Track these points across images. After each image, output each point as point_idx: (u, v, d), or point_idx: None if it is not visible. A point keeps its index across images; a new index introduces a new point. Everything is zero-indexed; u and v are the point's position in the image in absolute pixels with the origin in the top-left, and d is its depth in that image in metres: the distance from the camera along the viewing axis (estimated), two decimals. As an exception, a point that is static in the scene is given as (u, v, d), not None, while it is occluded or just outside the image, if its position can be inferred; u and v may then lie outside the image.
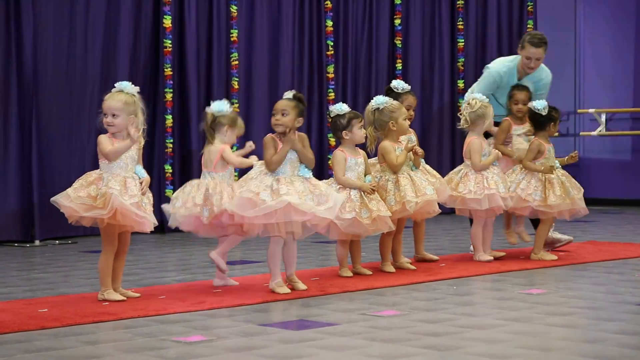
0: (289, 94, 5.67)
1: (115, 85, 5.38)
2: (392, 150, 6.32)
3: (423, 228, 6.92)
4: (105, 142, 5.26)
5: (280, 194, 5.36)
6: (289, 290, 5.48)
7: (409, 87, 6.88)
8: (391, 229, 6.14)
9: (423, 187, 6.27)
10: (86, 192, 5.17)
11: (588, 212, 7.05)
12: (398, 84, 6.87)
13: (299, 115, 5.58)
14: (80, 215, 5.17)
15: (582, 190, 6.98)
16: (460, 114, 6.84)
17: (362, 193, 6.03)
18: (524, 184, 6.88)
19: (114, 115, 5.27)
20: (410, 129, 6.86)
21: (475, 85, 7.41)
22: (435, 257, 6.86)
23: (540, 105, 6.88)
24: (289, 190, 5.39)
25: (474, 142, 6.76)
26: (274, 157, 5.50)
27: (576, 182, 6.99)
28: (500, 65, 7.25)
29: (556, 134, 7.09)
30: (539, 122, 6.92)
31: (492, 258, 6.83)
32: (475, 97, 6.78)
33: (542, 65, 7.33)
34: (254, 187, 5.42)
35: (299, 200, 5.37)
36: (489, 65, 7.41)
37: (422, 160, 6.71)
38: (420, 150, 6.42)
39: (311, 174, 5.60)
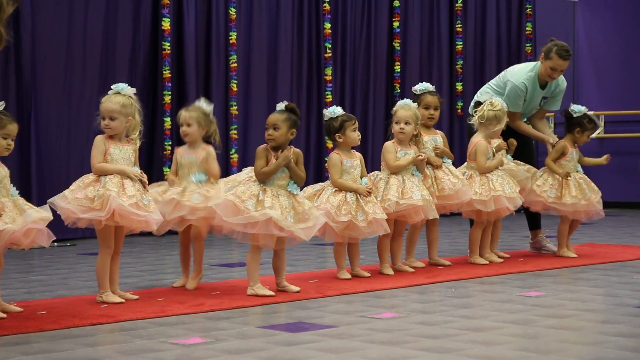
0: (281, 105, 5.61)
1: (112, 87, 5.39)
2: (392, 151, 6.36)
3: (435, 233, 6.86)
4: (97, 148, 5.26)
5: (265, 206, 5.35)
6: (272, 293, 5.47)
7: (430, 88, 6.89)
8: (387, 232, 6.14)
9: (412, 191, 6.27)
10: (83, 193, 5.16)
11: (604, 215, 7.30)
12: (417, 86, 6.95)
13: (292, 127, 5.53)
14: (77, 217, 5.17)
15: (600, 193, 7.23)
16: (476, 111, 6.82)
17: (358, 196, 6.03)
18: (540, 180, 7.11)
19: (111, 117, 5.27)
20: (437, 130, 6.88)
21: (491, 83, 7.44)
22: (447, 262, 6.82)
23: (577, 108, 7.19)
24: (274, 203, 5.38)
25: (480, 143, 6.77)
26: (264, 169, 5.48)
27: (594, 186, 7.22)
28: (523, 76, 7.21)
29: (586, 140, 7.25)
30: (569, 124, 7.21)
31: (487, 262, 6.84)
32: (498, 99, 6.80)
33: None
34: (240, 193, 5.41)
35: (280, 217, 5.36)
36: (509, 78, 7.30)
37: (450, 160, 6.75)
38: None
39: (299, 190, 5.59)
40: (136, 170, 5.29)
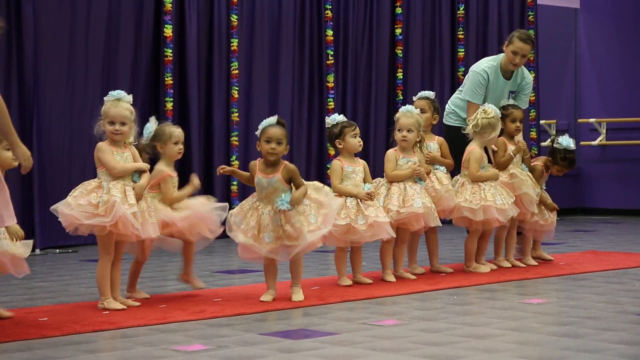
0: (273, 120, 5.52)
1: (113, 93, 5.39)
2: (391, 160, 6.39)
3: (435, 241, 6.85)
4: (108, 153, 5.26)
5: (241, 227, 5.47)
6: (270, 299, 5.51)
7: (422, 95, 6.94)
8: (390, 236, 6.13)
9: (413, 199, 6.26)
10: (87, 200, 5.17)
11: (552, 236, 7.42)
12: (419, 94, 6.99)
13: (287, 143, 5.57)
14: (80, 223, 5.17)
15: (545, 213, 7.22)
16: (470, 120, 6.81)
17: (359, 200, 6.03)
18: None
19: (123, 123, 5.29)
20: (435, 136, 6.90)
21: (461, 88, 7.48)
22: (449, 270, 6.80)
23: (563, 141, 7.21)
24: (251, 222, 5.45)
25: (475, 151, 6.75)
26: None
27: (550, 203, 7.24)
28: (484, 64, 7.33)
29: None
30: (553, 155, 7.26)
31: (488, 269, 6.81)
32: (491, 106, 6.79)
33: (523, 67, 7.46)
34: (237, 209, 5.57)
35: (251, 242, 5.41)
36: (472, 66, 7.48)
37: (442, 168, 6.75)
38: (424, 176, 6.43)
39: (287, 205, 5.44)
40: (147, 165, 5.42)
